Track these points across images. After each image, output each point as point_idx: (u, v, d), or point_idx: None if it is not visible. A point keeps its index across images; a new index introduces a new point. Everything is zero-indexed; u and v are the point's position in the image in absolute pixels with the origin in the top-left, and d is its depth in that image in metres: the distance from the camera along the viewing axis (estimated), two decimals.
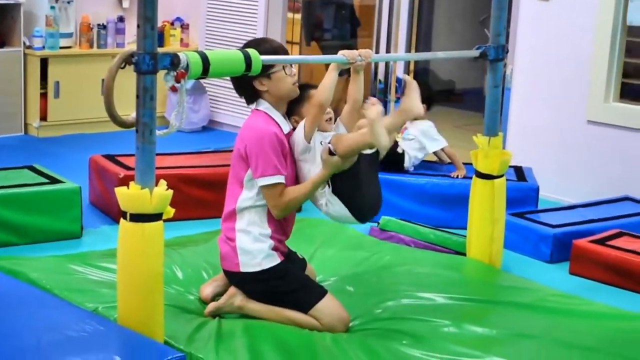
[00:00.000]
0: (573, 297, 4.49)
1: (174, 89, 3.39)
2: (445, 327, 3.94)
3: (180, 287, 4.24)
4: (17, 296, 3.72)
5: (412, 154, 6.04)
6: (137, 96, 3.31)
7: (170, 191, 3.39)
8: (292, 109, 4.02)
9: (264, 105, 3.92)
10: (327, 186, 3.87)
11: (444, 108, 10.29)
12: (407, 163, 6.03)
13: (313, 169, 3.90)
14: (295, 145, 3.95)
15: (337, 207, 3.87)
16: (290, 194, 3.85)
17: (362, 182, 3.86)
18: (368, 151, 3.89)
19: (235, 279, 3.95)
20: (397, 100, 7.47)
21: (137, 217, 3.33)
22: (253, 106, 3.97)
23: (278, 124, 3.89)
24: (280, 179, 3.81)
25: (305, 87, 3.99)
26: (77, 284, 4.14)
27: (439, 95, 10.57)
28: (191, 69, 3.38)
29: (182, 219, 4.74)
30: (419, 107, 4.03)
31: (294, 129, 3.99)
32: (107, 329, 3.36)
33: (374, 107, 3.77)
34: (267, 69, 3.82)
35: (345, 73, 4.11)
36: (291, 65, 3.93)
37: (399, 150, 6.00)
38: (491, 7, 4.68)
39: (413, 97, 4.02)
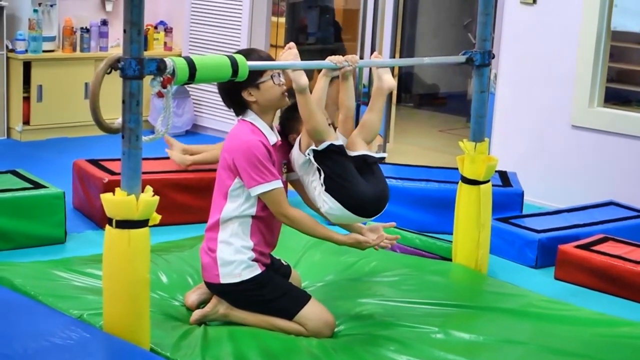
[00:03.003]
0: (559, 303, 4.49)
1: (160, 95, 3.38)
2: (432, 333, 3.94)
3: (165, 292, 4.22)
4: (0, 303, 3.69)
5: None
6: (123, 101, 3.29)
7: (157, 197, 3.37)
8: (289, 126, 4.03)
9: (250, 116, 3.90)
10: (321, 186, 3.87)
11: (427, 112, 10.32)
12: None
13: (313, 178, 3.90)
14: (295, 163, 3.96)
15: (331, 204, 3.85)
16: (300, 213, 3.87)
17: (352, 178, 3.85)
18: (355, 153, 3.93)
19: (216, 290, 3.94)
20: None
21: (123, 224, 3.31)
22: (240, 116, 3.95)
23: (264, 134, 3.88)
24: (277, 183, 3.80)
25: None
26: (62, 290, 4.11)
27: (423, 99, 10.64)
28: (177, 74, 3.36)
29: (167, 224, 4.71)
30: (390, 80, 4.15)
31: (289, 143, 4.01)
32: (93, 336, 3.34)
33: (289, 51, 3.93)
34: (255, 79, 3.82)
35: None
36: (279, 75, 3.92)
37: None
38: (475, 11, 4.69)
39: (382, 71, 4.14)
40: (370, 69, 7.49)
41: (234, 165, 3.81)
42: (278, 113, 4.11)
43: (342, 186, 3.84)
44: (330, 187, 3.85)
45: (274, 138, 3.93)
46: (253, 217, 3.88)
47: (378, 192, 3.91)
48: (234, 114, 4.00)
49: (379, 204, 3.92)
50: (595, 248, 5.17)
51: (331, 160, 3.85)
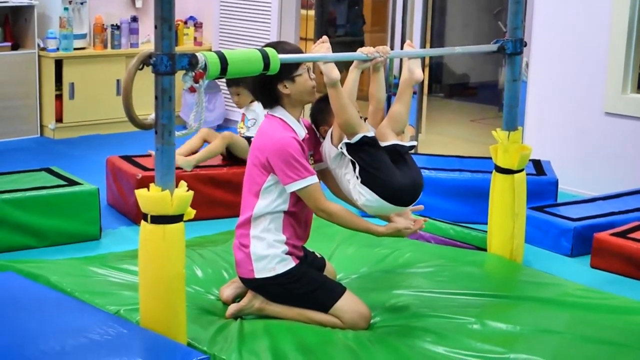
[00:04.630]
0: (596, 292, 4.46)
1: (192, 90, 3.38)
2: (469, 323, 3.92)
3: (201, 287, 4.23)
4: (38, 300, 3.72)
5: None
6: (156, 97, 3.30)
7: (191, 192, 3.38)
8: (320, 118, 4.03)
9: (279, 112, 3.89)
10: (356, 178, 3.86)
11: (458, 102, 10.28)
12: None
13: (347, 171, 3.90)
14: (327, 156, 3.96)
15: (368, 195, 3.84)
16: (338, 207, 3.85)
17: (387, 168, 3.84)
18: (386, 143, 3.92)
19: (252, 285, 3.94)
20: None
21: (158, 219, 3.32)
22: (267, 110, 3.95)
23: (294, 130, 3.87)
24: (312, 179, 3.79)
25: None
26: (98, 286, 4.13)
27: (453, 89, 10.60)
28: (209, 69, 3.37)
29: (200, 218, 4.73)
30: (420, 73, 4.15)
31: (321, 137, 4.02)
32: (130, 331, 3.35)
33: (321, 44, 3.94)
34: (291, 72, 3.82)
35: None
36: (311, 70, 3.92)
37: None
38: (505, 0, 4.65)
39: (414, 66, 4.13)
40: (401, 60, 7.48)
41: (268, 163, 3.79)
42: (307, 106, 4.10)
43: (378, 177, 3.83)
44: (366, 179, 3.84)
45: (302, 132, 3.92)
46: (285, 212, 3.88)
47: (413, 180, 3.90)
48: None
49: (415, 192, 3.91)
50: (632, 235, 5.13)
51: (365, 152, 3.84)
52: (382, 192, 3.83)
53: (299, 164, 3.76)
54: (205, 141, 5.98)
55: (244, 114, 5.99)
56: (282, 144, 3.76)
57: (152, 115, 3.37)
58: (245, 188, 3.94)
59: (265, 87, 3.87)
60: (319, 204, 3.83)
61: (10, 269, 4.26)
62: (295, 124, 3.89)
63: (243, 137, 5.92)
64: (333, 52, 3.96)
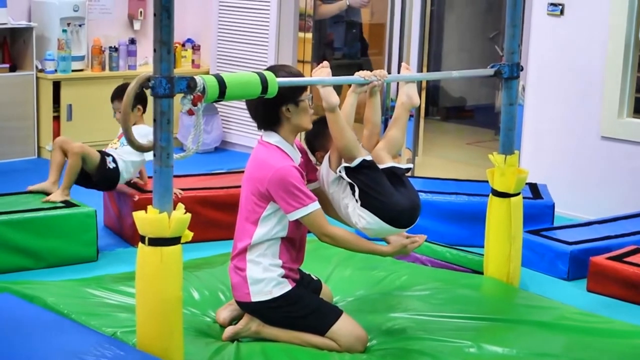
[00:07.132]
0: (592, 315, 4.46)
1: (190, 113, 3.39)
2: (465, 347, 3.92)
3: (197, 309, 4.23)
4: (34, 321, 3.71)
5: (127, 159, 5.67)
6: (154, 120, 3.31)
7: (189, 215, 3.38)
8: (318, 143, 4.04)
9: (275, 138, 3.88)
10: (356, 201, 3.87)
11: (455, 125, 10.29)
12: (125, 174, 5.68)
13: (345, 195, 3.91)
14: (325, 181, 3.97)
15: (369, 218, 3.85)
16: (342, 231, 3.86)
17: (386, 191, 3.85)
18: (383, 165, 3.94)
19: (248, 308, 3.94)
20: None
21: (156, 241, 3.32)
22: (261, 133, 3.94)
23: (290, 157, 3.87)
24: (314, 205, 3.79)
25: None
26: (95, 308, 4.12)
27: (450, 111, 10.61)
28: (208, 92, 3.38)
29: (197, 240, 4.73)
30: (417, 98, 4.18)
31: (318, 161, 4.03)
32: (127, 353, 3.34)
33: (322, 69, 3.95)
34: (297, 97, 3.83)
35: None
36: (311, 99, 3.94)
37: (110, 165, 5.65)
38: (501, 23, 4.68)
39: (412, 92, 4.16)
40: (398, 83, 7.49)
41: (269, 193, 3.79)
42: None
43: (378, 200, 3.84)
44: (366, 202, 3.85)
45: (298, 157, 3.93)
46: (282, 238, 3.89)
47: (411, 202, 3.92)
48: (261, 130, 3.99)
49: (414, 213, 3.93)
50: (628, 259, 5.14)
51: (364, 175, 3.86)
52: (382, 214, 3.84)
53: (300, 191, 3.76)
54: (64, 150, 5.67)
55: (122, 134, 5.54)
56: (283, 174, 3.76)
57: (151, 137, 3.38)
58: (241, 216, 3.93)
59: (269, 108, 3.85)
60: (323, 229, 3.83)
61: (6, 290, 4.26)
62: (291, 150, 3.90)
63: (109, 154, 5.70)
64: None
